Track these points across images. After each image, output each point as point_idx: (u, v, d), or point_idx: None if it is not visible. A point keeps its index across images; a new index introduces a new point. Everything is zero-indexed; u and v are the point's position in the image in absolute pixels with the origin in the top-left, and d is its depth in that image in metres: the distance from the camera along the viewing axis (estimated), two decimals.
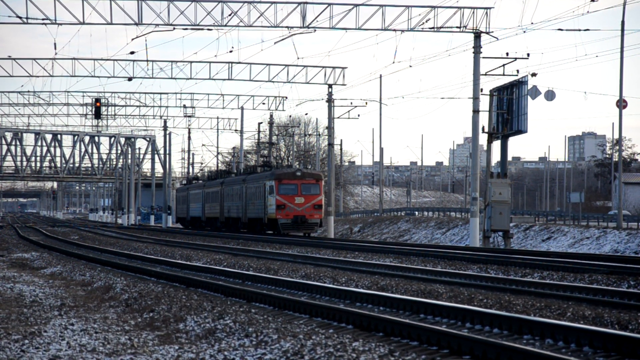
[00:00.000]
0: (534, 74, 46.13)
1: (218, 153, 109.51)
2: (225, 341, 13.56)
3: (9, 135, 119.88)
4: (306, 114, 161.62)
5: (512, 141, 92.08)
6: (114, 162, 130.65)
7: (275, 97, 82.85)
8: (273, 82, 66.10)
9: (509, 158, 52.77)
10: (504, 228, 46.45)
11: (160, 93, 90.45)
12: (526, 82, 46.42)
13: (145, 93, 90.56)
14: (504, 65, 46.11)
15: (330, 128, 65.99)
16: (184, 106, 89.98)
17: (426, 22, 48.68)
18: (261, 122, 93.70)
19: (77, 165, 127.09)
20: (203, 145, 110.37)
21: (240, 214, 66.48)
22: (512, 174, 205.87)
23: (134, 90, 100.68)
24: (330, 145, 67.01)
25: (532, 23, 45.05)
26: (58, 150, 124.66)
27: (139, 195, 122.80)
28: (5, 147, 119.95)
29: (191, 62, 66.19)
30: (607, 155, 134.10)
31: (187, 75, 66.47)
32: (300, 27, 49.78)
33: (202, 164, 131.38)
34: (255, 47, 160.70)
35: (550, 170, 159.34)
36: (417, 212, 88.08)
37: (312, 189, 58.46)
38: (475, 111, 46.40)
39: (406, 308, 16.81)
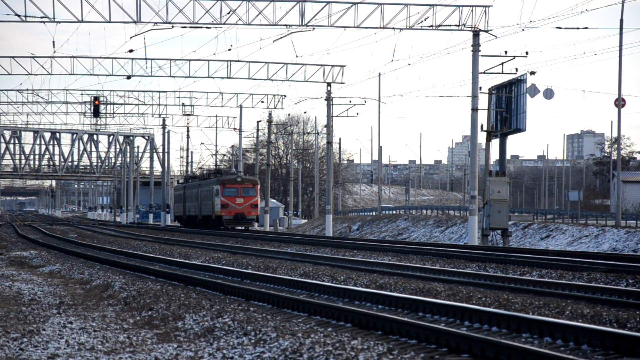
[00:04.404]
0: (532, 72, 46.10)
1: (217, 152, 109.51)
2: (224, 339, 13.56)
3: (7, 134, 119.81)
4: (305, 113, 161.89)
5: (511, 139, 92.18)
6: (113, 161, 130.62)
7: (274, 95, 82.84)
8: (272, 80, 66.09)
9: (508, 156, 52.74)
10: (503, 226, 46.43)
11: (159, 91, 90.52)
12: (525, 80, 46.39)
13: (144, 91, 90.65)
14: (502, 63, 46.09)
15: (329, 126, 66.00)
16: (183, 104, 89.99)
17: (425, 20, 48.68)
18: (260, 121, 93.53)
19: (75, 163, 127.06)
20: (202, 143, 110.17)
21: (197, 212, 79.55)
22: (510, 172, 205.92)
23: (133, 89, 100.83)
24: (329, 143, 67.00)
25: (530, 21, 44.96)
26: (57, 148, 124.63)
27: (138, 193, 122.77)
28: (3, 146, 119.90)
29: (190, 60, 66.18)
30: (606, 154, 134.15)
31: (185, 73, 66.47)
32: (299, 25, 49.76)
33: (200, 162, 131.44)
34: (254, 46, 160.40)
35: (549, 168, 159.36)
36: (413, 211, 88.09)
37: (250, 192, 71.36)
38: (474, 109, 46.40)
39: (405, 306, 16.81)
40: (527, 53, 45.75)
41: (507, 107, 47.32)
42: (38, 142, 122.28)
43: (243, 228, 71.97)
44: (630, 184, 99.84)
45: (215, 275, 25.53)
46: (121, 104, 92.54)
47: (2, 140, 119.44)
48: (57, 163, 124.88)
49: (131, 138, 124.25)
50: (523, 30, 45.50)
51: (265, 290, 19.57)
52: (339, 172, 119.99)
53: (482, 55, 46.36)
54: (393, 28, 49.44)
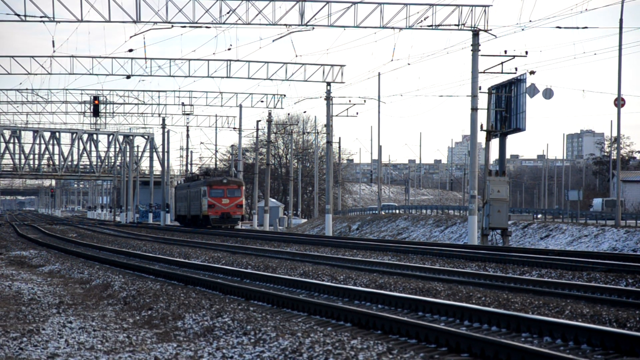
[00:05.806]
0: (532, 72, 46.09)
1: (216, 151, 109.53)
2: (223, 339, 13.56)
3: (7, 133, 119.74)
4: (305, 112, 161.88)
5: (511, 139, 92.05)
6: (113, 160, 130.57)
7: (274, 95, 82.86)
8: (271, 80, 66.08)
9: (507, 156, 52.67)
10: (503, 226, 46.43)
11: (159, 91, 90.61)
12: (524, 80, 46.39)
13: (143, 91, 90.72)
14: (502, 63, 46.08)
15: (328, 126, 65.99)
16: (183, 104, 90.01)
17: (424, 19, 48.68)
18: (260, 120, 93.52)
19: (75, 163, 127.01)
20: (201, 143, 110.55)
21: (186, 212, 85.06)
22: (510, 172, 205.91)
23: (132, 88, 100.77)
24: (329, 143, 66.99)
25: (530, 21, 44.97)
26: (56, 148, 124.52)
27: (137, 193, 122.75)
28: (3, 145, 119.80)
29: (189, 59, 66.17)
30: (606, 153, 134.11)
31: (185, 73, 66.47)
32: (299, 25, 49.75)
33: (200, 161, 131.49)
34: (254, 45, 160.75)
35: (548, 168, 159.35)
36: (406, 210, 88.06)
37: (235, 193, 76.21)
38: (474, 109, 46.38)
39: (404, 306, 16.81)
40: (526, 53, 45.76)
41: (506, 106, 47.32)
42: (38, 141, 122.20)
43: (229, 227, 76.06)
44: (630, 183, 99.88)
45: (215, 275, 25.52)
46: (121, 104, 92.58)
47: (2, 139, 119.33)
48: (56, 162, 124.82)
49: (131, 137, 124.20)
50: (523, 29, 45.51)
51: (265, 289, 19.56)
52: (339, 171, 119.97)
53: (481, 55, 46.35)
54: (393, 28, 49.43)
